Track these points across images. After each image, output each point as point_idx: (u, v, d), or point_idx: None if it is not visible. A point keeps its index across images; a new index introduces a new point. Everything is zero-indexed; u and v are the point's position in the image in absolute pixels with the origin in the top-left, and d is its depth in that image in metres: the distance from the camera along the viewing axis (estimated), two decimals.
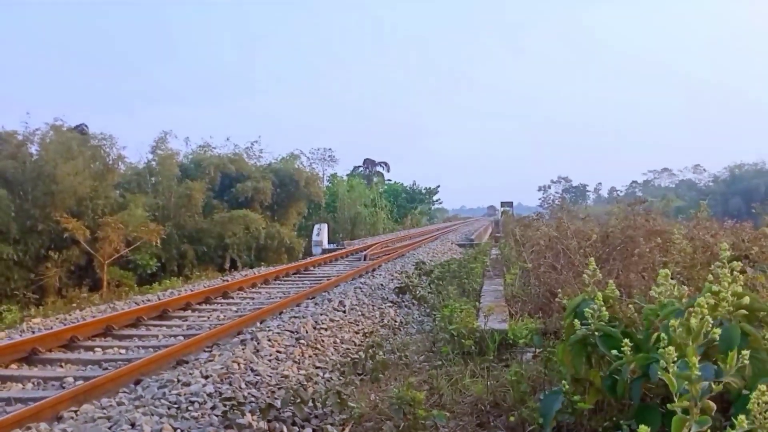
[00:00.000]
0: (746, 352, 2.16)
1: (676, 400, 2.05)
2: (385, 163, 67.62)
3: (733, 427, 1.88)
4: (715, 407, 2.08)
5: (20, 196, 21.83)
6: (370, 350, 6.24)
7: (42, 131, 23.26)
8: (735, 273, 2.64)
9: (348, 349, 6.91)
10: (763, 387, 2.14)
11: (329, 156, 50.37)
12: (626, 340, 2.78)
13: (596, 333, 3.29)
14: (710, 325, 2.26)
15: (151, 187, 27.68)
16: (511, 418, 4.41)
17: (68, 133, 23.85)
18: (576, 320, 3.38)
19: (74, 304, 11.84)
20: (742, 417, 1.87)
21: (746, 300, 2.49)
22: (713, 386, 2.13)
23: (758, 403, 2.11)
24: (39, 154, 22.91)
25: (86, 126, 27.84)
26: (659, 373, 2.20)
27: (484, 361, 5.86)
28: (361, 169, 65.17)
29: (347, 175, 53.77)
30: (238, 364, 5.68)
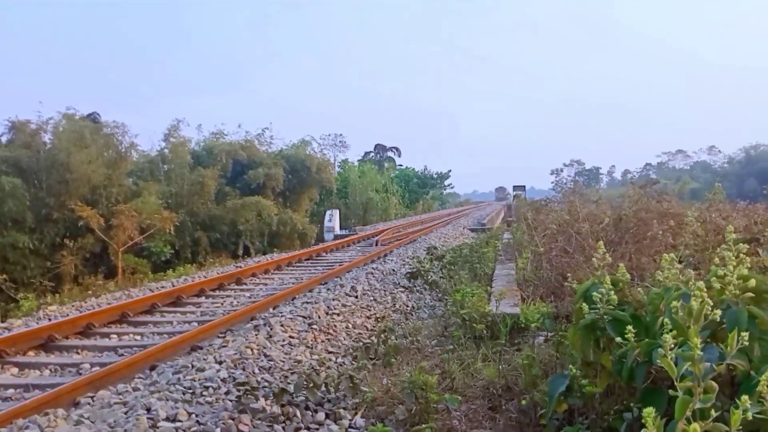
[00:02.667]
0: (746, 334, 2.14)
1: (677, 384, 2.05)
2: (396, 149, 67.44)
3: (738, 408, 1.88)
4: (717, 388, 2.08)
5: (35, 185, 22.03)
6: (382, 335, 6.27)
7: (55, 120, 23.41)
8: (741, 255, 2.61)
9: (360, 333, 6.95)
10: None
11: (340, 142, 50.38)
12: (629, 326, 2.77)
13: (605, 317, 3.28)
14: (710, 308, 2.26)
15: (164, 175, 27.80)
16: (523, 402, 4.42)
17: (81, 122, 23.95)
18: (585, 304, 3.37)
19: (90, 292, 11.98)
20: (745, 397, 1.87)
21: (752, 283, 2.47)
22: (715, 367, 2.13)
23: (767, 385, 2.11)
24: (52, 143, 23.06)
25: (98, 114, 28.02)
26: (658, 359, 2.19)
27: (496, 345, 5.87)
28: (372, 154, 64.97)
29: (358, 160, 53.75)
30: (252, 350, 5.74)
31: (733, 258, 2.56)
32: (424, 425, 4.14)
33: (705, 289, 2.30)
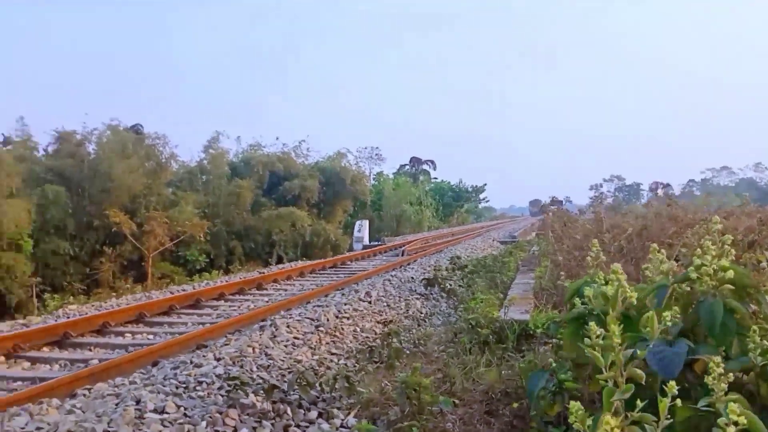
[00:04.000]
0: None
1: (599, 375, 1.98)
2: (432, 162, 67.17)
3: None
4: (644, 376, 1.99)
5: (78, 193, 22.79)
6: (387, 338, 6.20)
7: (99, 131, 24.21)
8: (726, 247, 2.47)
9: (367, 337, 6.89)
10: (717, 359, 2.02)
11: (376, 154, 50.46)
12: (614, 326, 2.66)
13: (593, 312, 3.17)
14: (629, 294, 2.19)
15: (202, 185, 28.40)
16: (515, 405, 4.31)
17: (124, 133, 24.71)
18: (577, 299, 3.28)
19: (114, 294, 12.26)
20: (672, 383, 1.78)
21: (729, 274, 2.32)
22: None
23: (714, 377, 1.99)
24: (96, 153, 23.83)
25: (141, 126, 28.88)
26: (586, 351, 2.11)
27: (502, 351, 5.75)
28: (407, 167, 64.91)
29: (393, 173, 53.80)
30: (253, 348, 5.74)
31: (712, 248, 2.42)
32: (407, 422, 4.05)
33: (621, 273, 2.25)
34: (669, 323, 2.38)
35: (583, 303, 3.20)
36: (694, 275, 2.46)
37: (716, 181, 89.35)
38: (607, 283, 3.35)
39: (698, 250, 2.43)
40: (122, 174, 22.46)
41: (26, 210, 18.94)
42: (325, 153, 35.42)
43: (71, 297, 14.13)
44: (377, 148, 50.60)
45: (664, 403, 1.90)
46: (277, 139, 33.82)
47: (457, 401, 4.81)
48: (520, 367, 4.70)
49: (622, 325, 2.78)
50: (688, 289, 2.45)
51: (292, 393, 4.77)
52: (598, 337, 1.98)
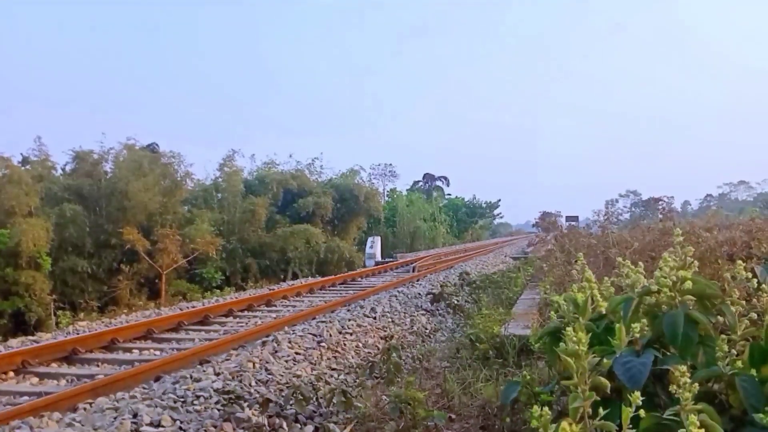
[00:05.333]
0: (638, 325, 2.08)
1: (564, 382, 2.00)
2: (445, 178, 67.15)
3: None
4: (608, 384, 2.01)
5: (95, 212, 23.19)
6: (387, 353, 6.22)
7: (116, 150, 24.65)
8: (688, 259, 2.51)
9: (369, 353, 6.92)
10: (682, 368, 2.04)
11: (390, 171, 50.65)
12: (580, 333, 2.69)
13: (567, 325, 3.20)
14: (599, 303, 2.21)
15: (217, 203, 28.72)
16: (506, 420, 4.32)
17: (140, 152, 25.10)
18: (553, 314, 3.30)
19: (125, 310, 12.42)
20: (636, 394, 1.81)
21: (688, 285, 2.35)
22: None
23: (679, 384, 2.01)
24: (113, 172, 24.25)
25: (157, 145, 29.33)
26: (562, 358, 2.14)
27: (501, 366, 5.75)
28: (420, 183, 64.96)
29: (407, 189, 53.93)
30: (253, 364, 5.81)
31: (669, 260, 2.46)
32: None
33: (593, 281, 2.27)
34: (637, 334, 2.42)
35: (559, 316, 3.23)
36: (654, 288, 2.49)
37: (734, 196, 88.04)
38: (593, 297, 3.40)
39: (660, 262, 2.47)
40: (138, 192, 22.78)
41: (45, 229, 19.31)
42: (338, 170, 35.73)
43: (82, 314, 14.33)
44: (391, 164, 50.90)
45: (627, 412, 1.93)
46: (290, 156, 34.18)
47: (453, 416, 4.83)
48: (511, 381, 4.73)
49: (590, 334, 2.82)
50: (653, 300, 2.47)
51: (288, 407, 4.82)
52: (575, 343, 2.02)
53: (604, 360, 2.29)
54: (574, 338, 2.07)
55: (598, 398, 2.01)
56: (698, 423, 1.82)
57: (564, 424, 1.90)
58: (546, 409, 1.97)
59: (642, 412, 1.94)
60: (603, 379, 1.98)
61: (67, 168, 24.58)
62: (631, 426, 1.98)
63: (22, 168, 22.06)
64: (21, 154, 23.89)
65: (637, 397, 1.94)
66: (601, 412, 1.92)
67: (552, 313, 3.24)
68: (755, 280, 2.67)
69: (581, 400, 1.90)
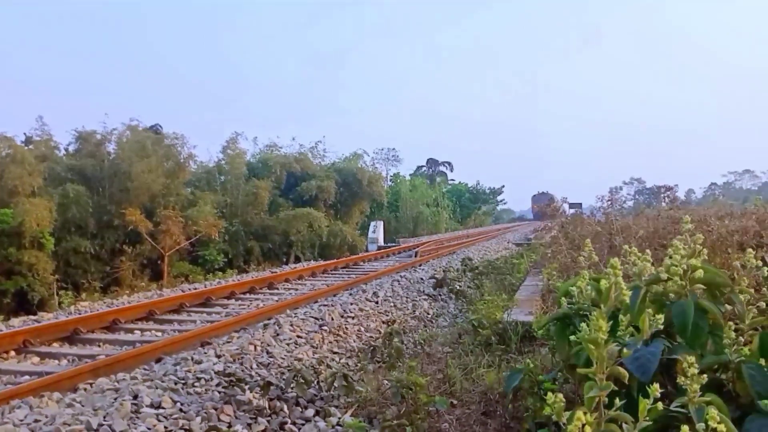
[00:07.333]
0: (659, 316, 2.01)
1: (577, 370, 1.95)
2: (449, 163, 66.77)
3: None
4: (627, 375, 1.96)
5: (98, 193, 23.13)
6: (389, 337, 6.20)
7: (119, 131, 24.52)
8: (697, 247, 2.45)
9: (371, 337, 6.90)
10: (691, 358, 1.99)
11: (393, 156, 50.36)
12: (601, 321, 2.65)
13: (579, 312, 3.15)
14: (623, 291, 2.15)
15: (220, 185, 28.64)
16: (509, 406, 4.29)
17: (143, 133, 24.97)
18: (564, 299, 3.25)
19: (127, 291, 12.43)
20: (655, 386, 1.76)
21: (699, 273, 2.29)
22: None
23: (687, 375, 1.97)
24: (116, 153, 24.15)
25: (160, 126, 29.22)
26: (584, 345, 2.08)
27: (504, 352, 5.72)
28: (424, 168, 64.64)
29: (410, 174, 53.67)
30: (255, 346, 5.79)
31: (681, 248, 2.40)
32: (396, 421, 4.06)
33: (618, 268, 2.19)
34: (649, 324, 2.36)
35: (569, 303, 3.18)
36: (664, 276, 2.43)
37: (738, 185, 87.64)
38: (598, 281, 3.34)
39: (669, 250, 2.41)
40: (141, 173, 22.69)
41: (48, 209, 19.27)
42: (341, 154, 35.56)
43: (84, 294, 14.33)
44: (394, 149, 50.54)
45: (644, 404, 1.87)
46: (293, 139, 33.95)
47: (455, 401, 4.80)
48: (518, 369, 4.69)
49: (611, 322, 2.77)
50: (661, 289, 2.42)
51: (289, 391, 4.80)
52: (596, 332, 1.96)
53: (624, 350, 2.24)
54: (595, 325, 2.01)
55: (616, 388, 1.95)
56: (717, 417, 1.77)
57: (579, 413, 1.84)
58: (560, 395, 1.93)
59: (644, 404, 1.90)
60: (621, 369, 1.92)
61: (70, 148, 24.49)
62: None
63: (26, 147, 21.98)
64: (24, 133, 23.82)
65: (655, 389, 1.88)
66: (617, 402, 1.87)
67: (562, 299, 3.18)
68: (765, 269, 2.62)
69: (597, 390, 1.84)
